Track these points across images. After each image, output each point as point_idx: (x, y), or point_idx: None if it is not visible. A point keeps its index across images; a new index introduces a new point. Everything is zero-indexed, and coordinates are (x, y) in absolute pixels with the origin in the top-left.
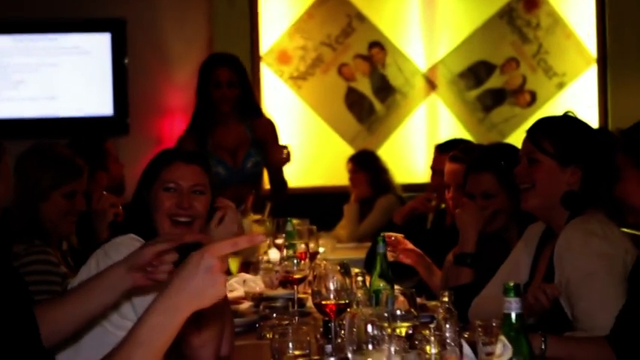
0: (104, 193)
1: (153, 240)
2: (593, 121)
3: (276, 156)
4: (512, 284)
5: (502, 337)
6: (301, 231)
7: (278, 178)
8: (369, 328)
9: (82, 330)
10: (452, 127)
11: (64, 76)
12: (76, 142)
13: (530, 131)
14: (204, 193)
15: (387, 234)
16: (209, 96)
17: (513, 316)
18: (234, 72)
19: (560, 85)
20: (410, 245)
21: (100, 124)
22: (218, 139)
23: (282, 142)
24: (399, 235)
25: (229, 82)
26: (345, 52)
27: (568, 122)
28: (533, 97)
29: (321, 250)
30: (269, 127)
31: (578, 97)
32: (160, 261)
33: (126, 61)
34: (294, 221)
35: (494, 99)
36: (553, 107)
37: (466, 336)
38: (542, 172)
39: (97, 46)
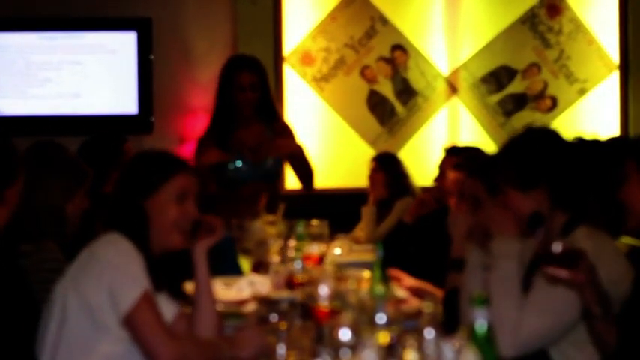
0: None
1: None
2: (614, 127)
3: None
4: (480, 295)
5: (469, 346)
6: (314, 233)
7: (304, 167)
8: (346, 334)
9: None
10: (473, 131)
11: (90, 75)
12: (95, 142)
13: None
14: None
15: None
16: (231, 99)
17: (481, 325)
18: (257, 75)
19: (582, 91)
20: (408, 282)
21: (124, 123)
22: (239, 138)
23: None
24: (399, 273)
25: (252, 86)
26: (368, 55)
27: (522, 146)
28: (555, 103)
29: (337, 251)
30: (287, 128)
31: (600, 103)
32: None
33: (151, 57)
34: (314, 222)
35: (516, 104)
36: (574, 113)
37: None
38: (510, 202)
39: (123, 44)
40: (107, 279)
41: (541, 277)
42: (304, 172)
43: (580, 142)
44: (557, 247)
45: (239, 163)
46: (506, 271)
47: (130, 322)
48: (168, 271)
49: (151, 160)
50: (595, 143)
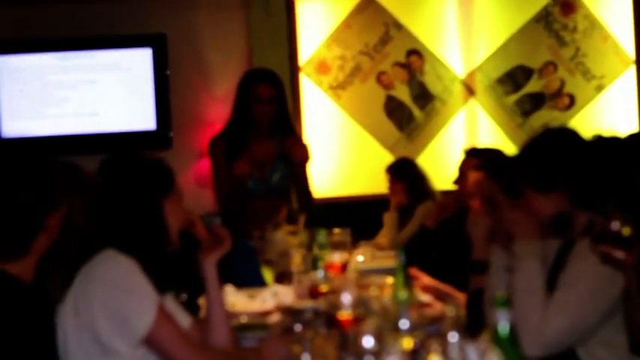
0: None
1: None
2: (633, 122)
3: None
4: (502, 296)
5: (492, 349)
6: (337, 242)
7: (304, 191)
8: (370, 341)
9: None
10: (491, 132)
11: (106, 93)
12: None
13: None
14: None
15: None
16: (249, 111)
17: (504, 327)
18: (275, 88)
19: (599, 88)
20: (425, 281)
21: (143, 139)
22: (250, 153)
23: (310, 161)
24: (416, 272)
25: (270, 99)
26: (383, 61)
27: (540, 148)
28: (572, 101)
29: (360, 259)
30: (298, 144)
31: (618, 99)
32: None
33: (167, 72)
34: (335, 231)
35: (533, 103)
36: (592, 110)
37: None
38: (531, 204)
39: (138, 61)
40: (115, 305)
41: (564, 276)
42: (303, 192)
43: (599, 140)
44: (615, 225)
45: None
46: (529, 271)
47: (151, 341)
48: (170, 274)
49: (159, 164)
50: (614, 140)
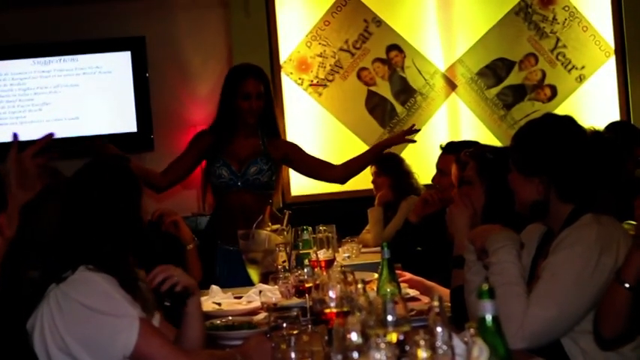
0: None
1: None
2: (614, 112)
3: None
4: (486, 287)
5: (478, 340)
6: (322, 238)
7: (326, 164)
8: (356, 336)
9: None
10: (473, 125)
11: (87, 96)
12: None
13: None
14: None
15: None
16: (235, 107)
17: (489, 318)
18: (262, 83)
19: (580, 79)
20: (408, 275)
21: (124, 142)
22: (233, 148)
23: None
24: (400, 272)
25: (258, 94)
26: (364, 57)
27: (531, 131)
28: (554, 92)
29: (345, 255)
30: (292, 146)
31: (599, 90)
32: None
33: (147, 75)
34: (321, 227)
35: (515, 95)
36: (574, 101)
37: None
38: (513, 183)
39: (118, 64)
40: (92, 333)
41: (546, 267)
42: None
43: (596, 135)
44: None
45: (223, 171)
46: (504, 263)
47: (138, 357)
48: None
49: (129, 168)
50: (609, 139)
